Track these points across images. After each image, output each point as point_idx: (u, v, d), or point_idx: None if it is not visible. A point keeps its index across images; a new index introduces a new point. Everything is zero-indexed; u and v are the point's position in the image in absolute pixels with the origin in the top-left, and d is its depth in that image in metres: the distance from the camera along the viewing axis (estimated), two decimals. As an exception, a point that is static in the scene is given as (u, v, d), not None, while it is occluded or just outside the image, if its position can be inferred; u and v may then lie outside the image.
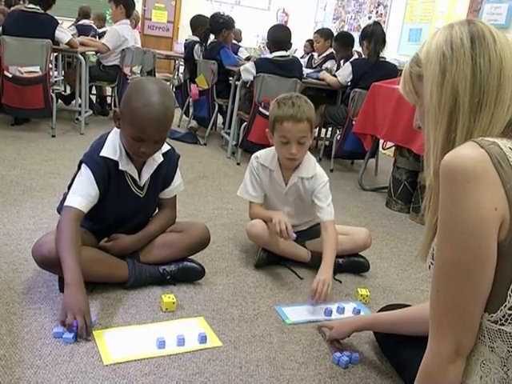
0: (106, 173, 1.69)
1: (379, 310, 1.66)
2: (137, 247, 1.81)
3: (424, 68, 0.97)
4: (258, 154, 2.17)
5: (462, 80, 0.92)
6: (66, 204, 1.65)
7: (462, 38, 0.94)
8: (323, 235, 2.02)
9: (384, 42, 3.98)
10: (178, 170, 1.91)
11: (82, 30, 5.75)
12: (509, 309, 0.87)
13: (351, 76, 4.04)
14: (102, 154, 1.69)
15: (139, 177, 1.77)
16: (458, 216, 0.86)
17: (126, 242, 1.78)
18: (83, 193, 1.65)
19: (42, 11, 3.93)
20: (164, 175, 1.85)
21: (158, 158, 1.79)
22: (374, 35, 3.92)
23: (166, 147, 1.82)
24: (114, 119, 1.70)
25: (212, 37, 4.68)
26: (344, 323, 1.61)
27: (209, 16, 4.76)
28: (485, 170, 0.84)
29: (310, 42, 6.47)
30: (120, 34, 4.62)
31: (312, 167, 2.11)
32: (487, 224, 0.84)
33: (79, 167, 1.71)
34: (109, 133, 1.76)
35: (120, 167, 1.70)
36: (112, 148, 1.70)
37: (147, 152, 1.66)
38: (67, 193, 1.75)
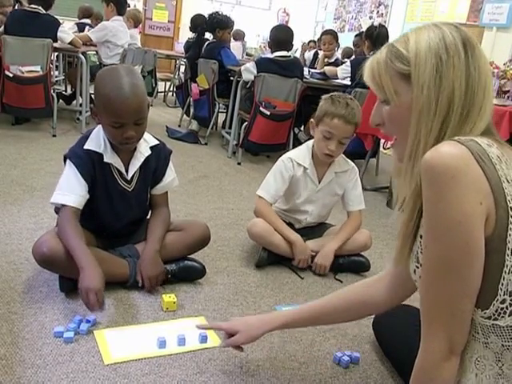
0: (91, 165, 1.70)
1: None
2: (160, 255, 1.78)
3: (415, 68, 0.93)
4: (289, 154, 2.18)
5: (457, 88, 0.91)
6: (59, 202, 1.67)
7: (456, 44, 0.92)
8: (347, 221, 2.19)
9: None
10: (170, 164, 1.90)
11: (83, 29, 5.76)
12: (501, 302, 0.87)
13: (349, 74, 4.05)
14: (86, 146, 1.71)
15: (126, 170, 1.77)
16: (443, 212, 0.85)
17: (149, 266, 1.74)
18: (71, 188, 1.67)
19: (44, 12, 3.93)
20: (154, 170, 1.84)
21: (145, 151, 1.79)
22: (379, 39, 3.90)
23: (153, 141, 1.83)
24: (92, 116, 1.71)
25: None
26: (252, 325, 1.37)
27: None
28: (467, 166, 0.84)
29: (314, 42, 6.50)
30: (108, 29, 4.64)
31: (344, 161, 2.19)
32: (473, 219, 0.84)
33: (65, 161, 1.73)
34: (94, 128, 1.77)
35: (105, 159, 1.71)
36: (96, 141, 1.72)
37: (131, 136, 1.64)
38: None
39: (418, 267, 0.98)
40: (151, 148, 1.81)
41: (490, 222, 0.85)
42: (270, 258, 2.12)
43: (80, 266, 1.53)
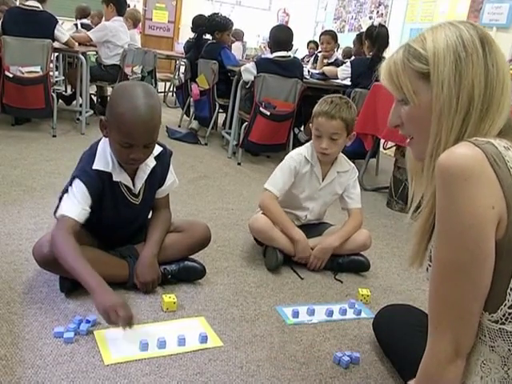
0: (101, 185, 1.66)
1: (380, 310, 1.66)
2: (157, 259, 1.78)
3: (434, 67, 0.92)
4: (297, 150, 2.23)
5: (476, 85, 0.90)
6: (58, 213, 1.61)
7: (474, 41, 0.91)
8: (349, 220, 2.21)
9: (387, 44, 3.98)
10: (170, 167, 1.88)
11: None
12: (509, 307, 0.87)
13: (350, 75, 4.05)
14: (95, 167, 1.65)
15: (133, 184, 1.74)
16: (455, 215, 0.85)
17: (146, 270, 1.74)
18: (75, 202, 1.61)
19: (41, 9, 3.91)
20: (159, 178, 1.83)
21: (151, 162, 1.75)
22: (379, 39, 3.89)
23: (158, 149, 1.77)
24: (100, 128, 1.65)
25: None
26: None
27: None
28: (482, 168, 0.84)
29: (315, 43, 6.49)
30: (108, 29, 4.64)
31: (345, 161, 2.25)
32: (485, 223, 0.83)
33: (71, 182, 1.65)
34: (98, 143, 1.72)
35: (114, 178, 1.68)
36: (104, 159, 1.67)
37: (137, 158, 1.62)
38: (61, 199, 1.73)
39: (430, 265, 0.98)
40: (156, 157, 1.77)
41: (501, 226, 0.84)
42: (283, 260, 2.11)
43: (90, 289, 1.49)
